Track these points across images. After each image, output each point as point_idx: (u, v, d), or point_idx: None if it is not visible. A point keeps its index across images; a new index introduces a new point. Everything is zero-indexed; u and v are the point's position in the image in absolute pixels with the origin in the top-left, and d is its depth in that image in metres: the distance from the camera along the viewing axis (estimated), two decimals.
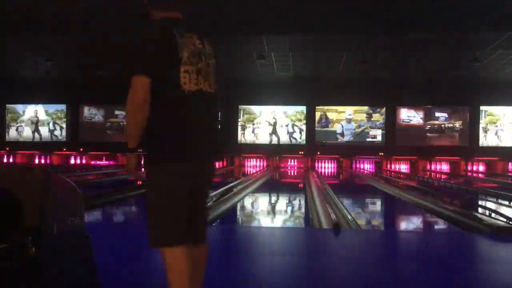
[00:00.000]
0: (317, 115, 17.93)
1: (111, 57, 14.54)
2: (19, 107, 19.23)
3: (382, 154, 17.61)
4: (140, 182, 10.86)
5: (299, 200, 8.11)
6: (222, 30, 11.27)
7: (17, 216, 1.40)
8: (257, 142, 17.87)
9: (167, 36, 1.71)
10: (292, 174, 15.60)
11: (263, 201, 8.01)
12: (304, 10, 10.40)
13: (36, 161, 18.52)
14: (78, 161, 18.44)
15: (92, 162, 18.74)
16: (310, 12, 10.45)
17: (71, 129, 18.73)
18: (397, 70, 15.67)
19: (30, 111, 19.08)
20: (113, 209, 6.47)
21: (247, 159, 18.04)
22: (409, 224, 5.95)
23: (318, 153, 17.76)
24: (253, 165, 17.86)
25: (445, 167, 17.80)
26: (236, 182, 9.45)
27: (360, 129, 17.76)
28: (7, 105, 19.08)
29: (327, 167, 17.75)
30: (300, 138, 17.87)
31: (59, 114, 18.94)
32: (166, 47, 1.69)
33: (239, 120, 18.04)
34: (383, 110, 17.84)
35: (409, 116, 17.85)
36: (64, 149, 18.54)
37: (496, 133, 17.44)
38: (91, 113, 18.85)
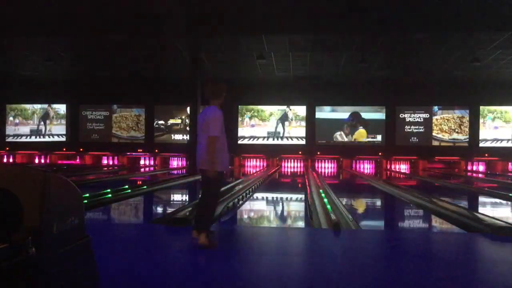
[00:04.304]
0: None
1: (111, 57, 14.54)
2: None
3: (382, 154, 17.61)
4: (140, 182, 10.91)
5: (299, 200, 8.11)
6: (223, 30, 11.29)
7: (17, 216, 1.40)
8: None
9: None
10: (292, 174, 15.60)
11: (263, 201, 8.02)
12: (304, 10, 10.41)
13: (36, 161, 18.51)
14: (79, 161, 18.41)
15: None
16: (310, 12, 10.46)
17: (71, 129, 18.73)
18: (397, 70, 15.67)
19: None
20: (113, 209, 6.47)
21: (247, 159, 18.04)
22: (409, 224, 5.95)
23: (318, 153, 17.77)
24: (253, 165, 17.86)
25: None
26: (236, 182, 9.45)
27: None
28: (7, 105, 19.10)
29: (327, 167, 17.75)
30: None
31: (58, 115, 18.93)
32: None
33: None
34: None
35: (409, 116, 17.85)
36: (64, 149, 18.54)
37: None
38: (92, 113, 18.85)
